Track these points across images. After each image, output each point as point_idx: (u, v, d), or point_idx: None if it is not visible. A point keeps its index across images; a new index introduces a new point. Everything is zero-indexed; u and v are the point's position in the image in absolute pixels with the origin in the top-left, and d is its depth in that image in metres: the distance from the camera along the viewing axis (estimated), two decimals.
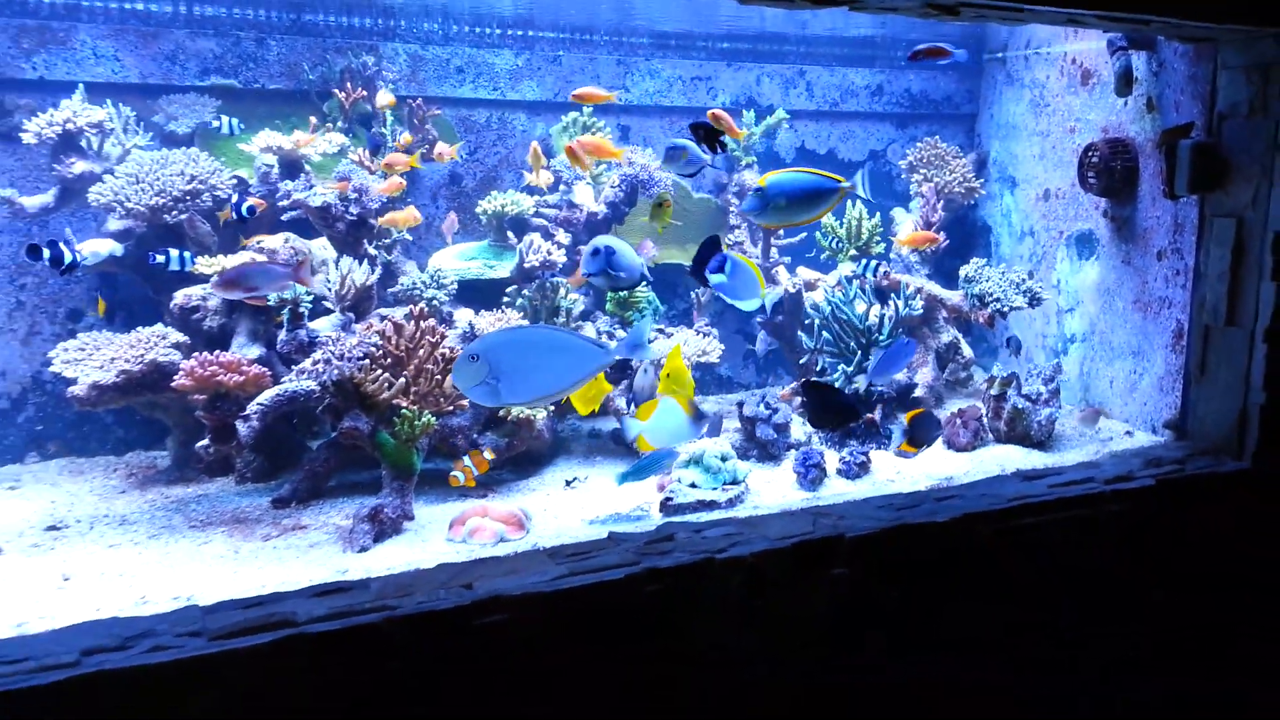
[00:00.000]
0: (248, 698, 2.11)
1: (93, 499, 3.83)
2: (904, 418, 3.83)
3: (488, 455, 3.74)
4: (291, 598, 2.44)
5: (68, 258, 3.42)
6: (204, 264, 3.62)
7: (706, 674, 2.55)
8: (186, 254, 3.65)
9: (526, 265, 4.17)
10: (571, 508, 3.83)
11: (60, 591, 3.09)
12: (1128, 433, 4.52)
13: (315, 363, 3.34)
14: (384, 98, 4.12)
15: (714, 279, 3.23)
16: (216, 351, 3.43)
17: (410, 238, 4.39)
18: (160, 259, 3.61)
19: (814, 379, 4.28)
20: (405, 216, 4.15)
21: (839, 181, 3.07)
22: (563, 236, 4.39)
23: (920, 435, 3.71)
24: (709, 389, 5.22)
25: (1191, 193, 3.72)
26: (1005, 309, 4.61)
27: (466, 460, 3.66)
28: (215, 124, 4.02)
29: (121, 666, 2.04)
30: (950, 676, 2.74)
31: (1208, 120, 3.83)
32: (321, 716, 2.16)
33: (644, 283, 3.73)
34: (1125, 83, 4.37)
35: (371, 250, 3.94)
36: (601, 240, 3.32)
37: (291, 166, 4.00)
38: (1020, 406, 4.35)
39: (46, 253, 3.39)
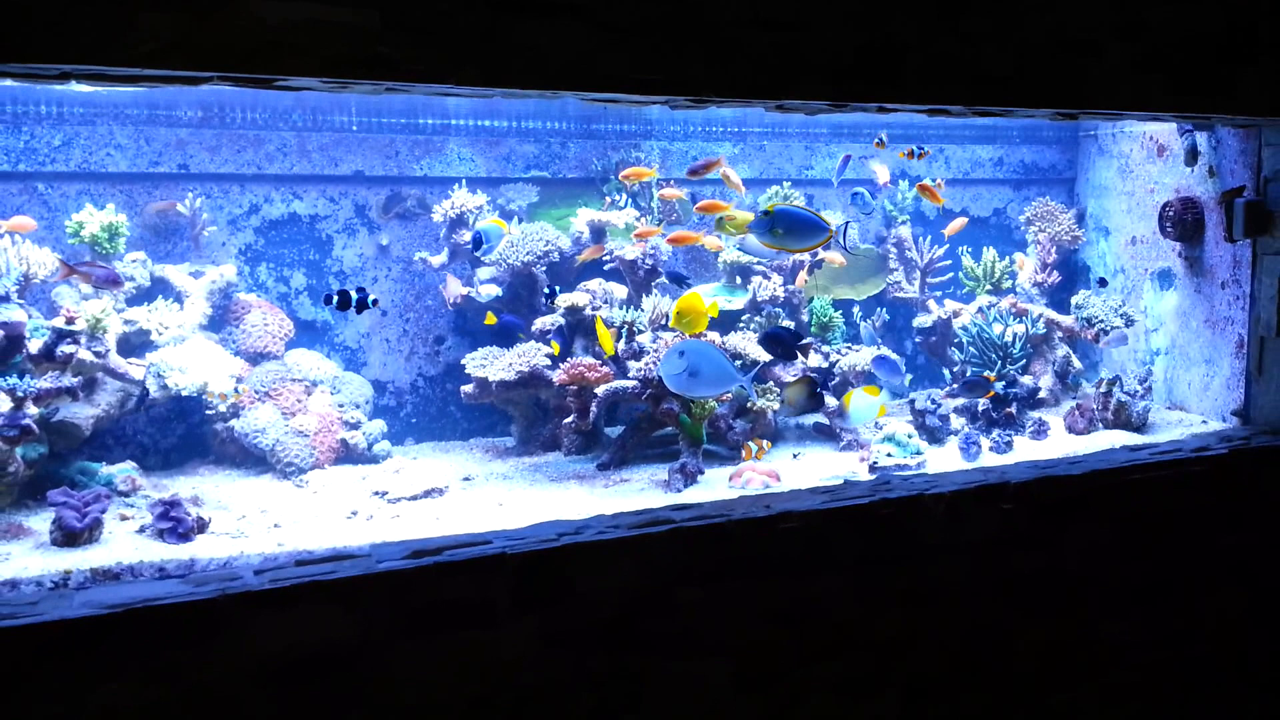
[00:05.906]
0: (652, 564, 3.21)
1: (472, 465, 5.45)
2: None
3: (766, 446, 5.29)
4: (665, 511, 3.88)
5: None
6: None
7: (923, 565, 3.70)
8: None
9: (759, 300, 5.80)
10: (801, 472, 5.39)
11: (500, 511, 4.73)
12: (1203, 421, 5.95)
13: (644, 365, 4.98)
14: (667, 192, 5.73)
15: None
16: (580, 358, 5.09)
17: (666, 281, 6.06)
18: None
19: (776, 328, 5.60)
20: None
21: (827, 227, 4.05)
22: (776, 278, 6.01)
23: None
24: None
25: (1246, 237, 4.78)
26: (1108, 328, 6.12)
27: (752, 446, 5.23)
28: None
29: (581, 541, 3.05)
30: (1077, 574, 4.09)
31: (1256, 183, 4.83)
32: (688, 575, 3.30)
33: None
34: (1192, 156, 5.86)
35: (655, 290, 5.61)
36: None
37: (598, 232, 5.69)
38: (1123, 400, 5.83)
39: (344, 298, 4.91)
